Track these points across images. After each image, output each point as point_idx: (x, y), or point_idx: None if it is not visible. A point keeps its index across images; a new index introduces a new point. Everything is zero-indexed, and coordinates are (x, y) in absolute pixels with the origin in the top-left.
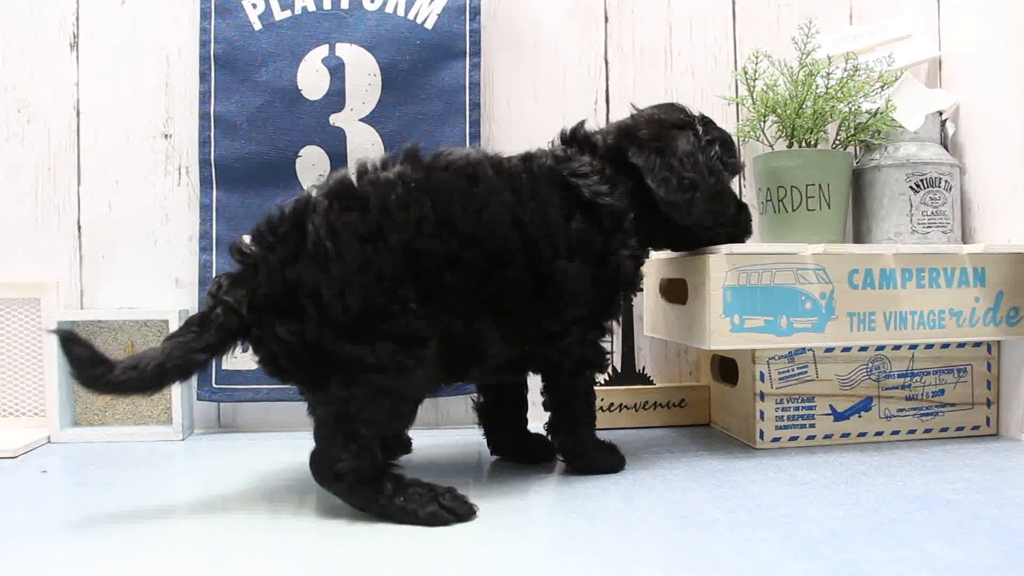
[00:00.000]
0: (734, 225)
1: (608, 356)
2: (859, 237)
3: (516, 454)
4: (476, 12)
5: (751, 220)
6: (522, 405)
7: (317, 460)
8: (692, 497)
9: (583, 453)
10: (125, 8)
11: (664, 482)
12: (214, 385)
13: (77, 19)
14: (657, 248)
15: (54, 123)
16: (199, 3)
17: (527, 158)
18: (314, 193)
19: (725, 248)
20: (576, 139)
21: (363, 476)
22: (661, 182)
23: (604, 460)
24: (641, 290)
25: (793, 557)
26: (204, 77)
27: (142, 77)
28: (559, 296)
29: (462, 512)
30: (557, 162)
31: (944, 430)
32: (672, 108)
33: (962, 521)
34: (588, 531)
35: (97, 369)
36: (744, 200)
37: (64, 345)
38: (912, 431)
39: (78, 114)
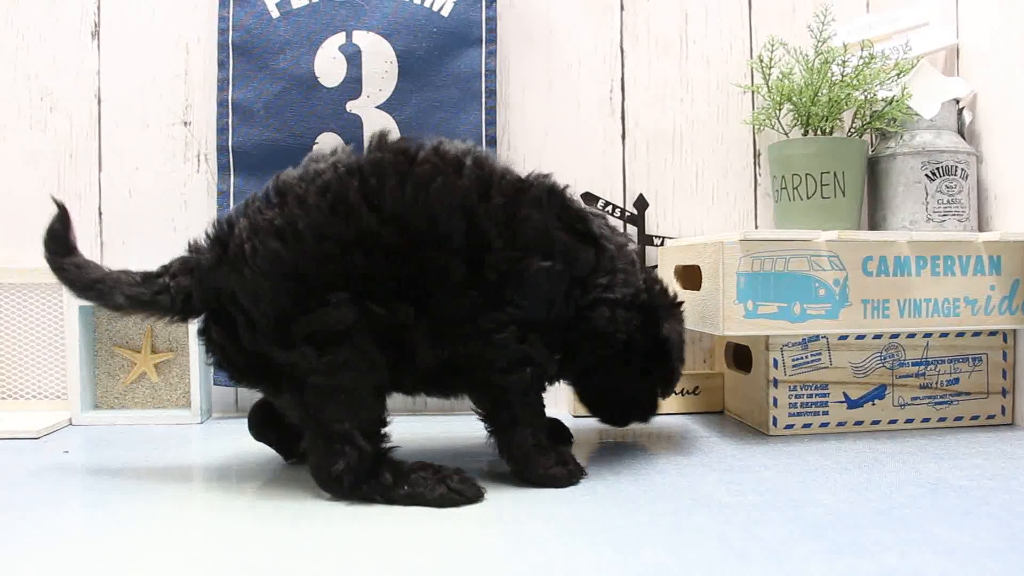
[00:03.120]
0: None
1: (554, 363)
2: (874, 225)
3: None
4: (492, 0)
5: None
6: None
7: (313, 470)
8: (703, 481)
9: (519, 456)
10: None
11: (676, 467)
12: None
13: (98, 8)
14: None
15: (75, 111)
16: None
17: (530, 174)
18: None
19: (739, 234)
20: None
21: (358, 473)
22: (680, 360)
23: (547, 471)
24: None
25: (799, 538)
26: (222, 65)
27: (162, 65)
28: (511, 292)
29: (471, 494)
30: (560, 190)
31: (959, 419)
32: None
33: (970, 507)
34: (597, 512)
35: (57, 246)
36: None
37: (58, 215)
38: (926, 420)
39: (99, 102)
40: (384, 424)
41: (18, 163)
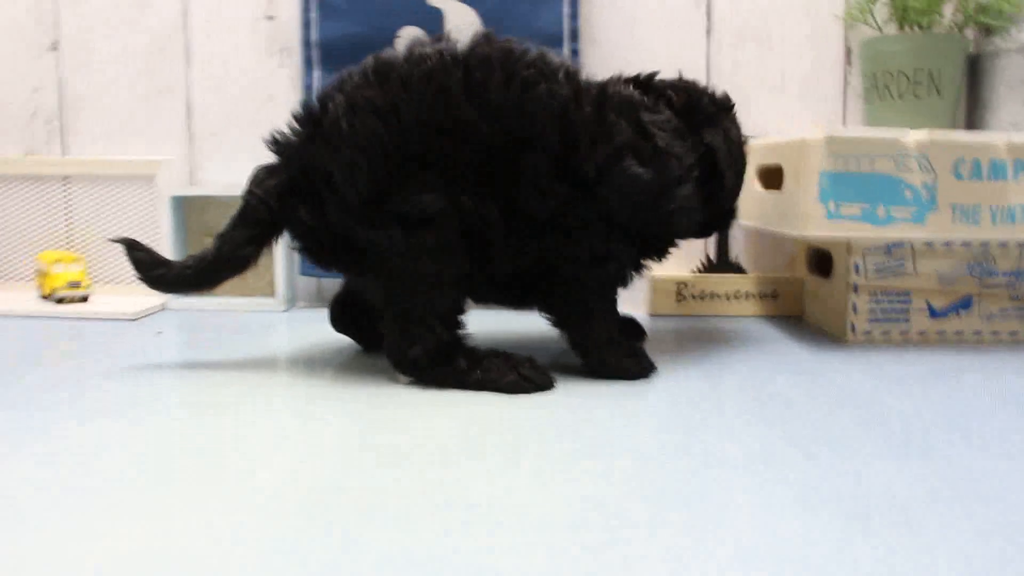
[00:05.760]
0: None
1: (634, 262)
2: (971, 127)
3: None
4: None
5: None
6: None
7: (389, 352)
8: (773, 381)
9: (591, 350)
10: None
11: (747, 367)
12: None
13: None
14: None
15: (164, 7)
16: None
17: (606, 82)
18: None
19: (824, 131)
20: (651, 88)
21: (434, 357)
22: (728, 166)
23: (619, 362)
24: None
25: (867, 437)
26: None
27: None
28: (604, 189)
29: (541, 381)
30: (638, 101)
31: None
32: (704, 88)
33: None
34: (664, 403)
35: (158, 270)
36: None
37: (128, 252)
38: (1014, 332)
39: None
40: (461, 312)
41: (112, 59)
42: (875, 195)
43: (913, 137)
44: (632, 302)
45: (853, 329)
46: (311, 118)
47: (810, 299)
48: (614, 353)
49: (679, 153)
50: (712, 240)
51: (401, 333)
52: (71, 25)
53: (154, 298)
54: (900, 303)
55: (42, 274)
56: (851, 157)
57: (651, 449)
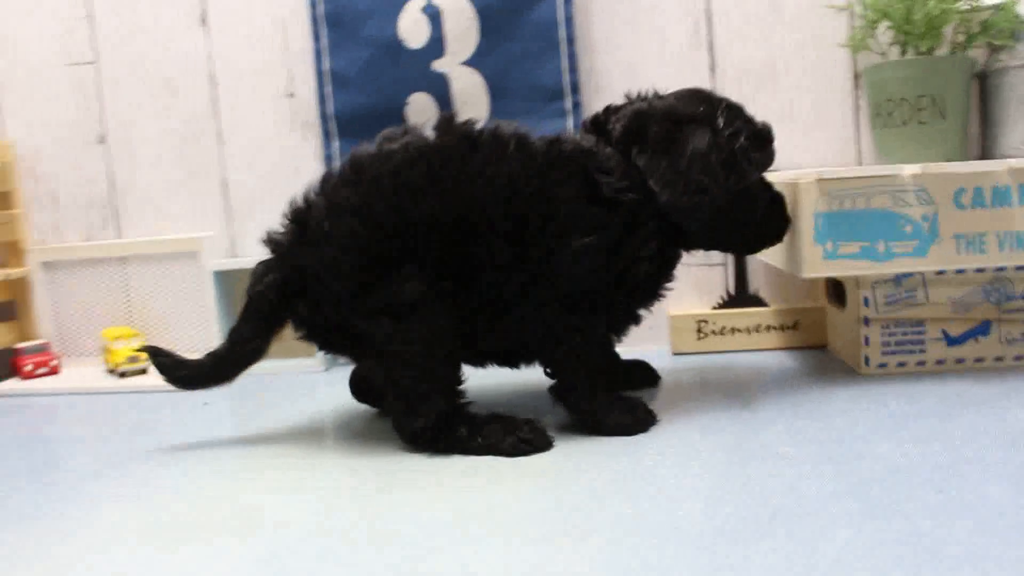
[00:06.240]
0: (761, 227)
1: (603, 323)
2: (986, 146)
3: (612, 382)
4: None
5: (785, 220)
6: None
7: (396, 427)
8: (768, 429)
9: (585, 416)
10: None
11: (750, 412)
12: None
13: None
14: (690, 248)
15: (195, 94)
16: None
17: (554, 141)
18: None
19: (815, 172)
20: (597, 127)
21: (436, 428)
22: (665, 185)
23: (615, 420)
24: (662, 296)
25: (840, 496)
26: (316, 37)
27: (263, 43)
28: (553, 269)
29: (540, 443)
30: (582, 152)
31: None
32: (693, 97)
33: None
34: (652, 463)
35: (180, 371)
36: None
37: (152, 359)
38: None
39: (213, 83)
40: (459, 382)
41: (152, 145)
42: (874, 232)
43: (908, 171)
44: (654, 339)
45: (867, 362)
46: (298, 218)
47: (831, 330)
48: (608, 411)
49: (627, 200)
50: (731, 274)
51: (404, 409)
52: (114, 117)
53: None
54: (914, 333)
55: (106, 350)
56: (845, 196)
57: (627, 525)
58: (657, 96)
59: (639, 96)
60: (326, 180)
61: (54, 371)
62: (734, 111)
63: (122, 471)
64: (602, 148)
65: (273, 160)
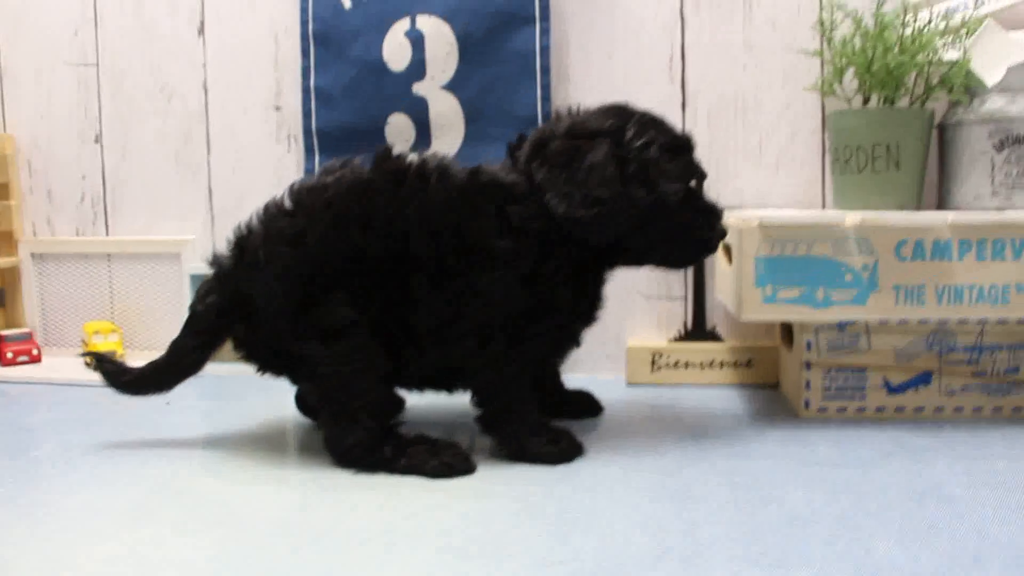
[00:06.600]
0: (684, 239)
1: (519, 354)
2: (941, 200)
3: (554, 411)
4: None
5: (713, 232)
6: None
7: (327, 444)
8: (691, 468)
9: (510, 443)
10: None
11: (679, 448)
12: None
13: (203, 5)
14: (614, 265)
15: (189, 99)
16: None
17: (474, 172)
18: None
19: (758, 218)
20: (511, 154)
21: (366, 448)
22: (562, 198)
23: (538, 448)
24: (595, 320)
25: (732, 540)
26: (305, 53)
27: (256, 55)
28: (467, 303)
29: (462, 467)
30: (495, 182)
31: (1017, 409)
32: (605, 112)
33: (940, 520)
34: (562, 492)
35: (122, 377)
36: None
37: (97, 365)
38: (978, 408)
39: (206, 91)
40: (389, 404)
41: (147, 145)
42: (813, 278)
43: (850, 220)
44: (612, 368)
45: (807, 405)
46: (239, 244)
47: (782, 370)
48: (534, 440)
49: (536, 228)
50: (689, 309)
51: (335, 428)
52: (111, 116)
53: None
54: (855, 379)
55: (85, 343)
56: (787, 242)
57: (512, 550)
58: (571, 113)
59: (557, 115)
60: (267, 208)
61: (35, 359)
62: (647, 123)
63: (82, 460)
64: (513, 176)
65: (257, 169)
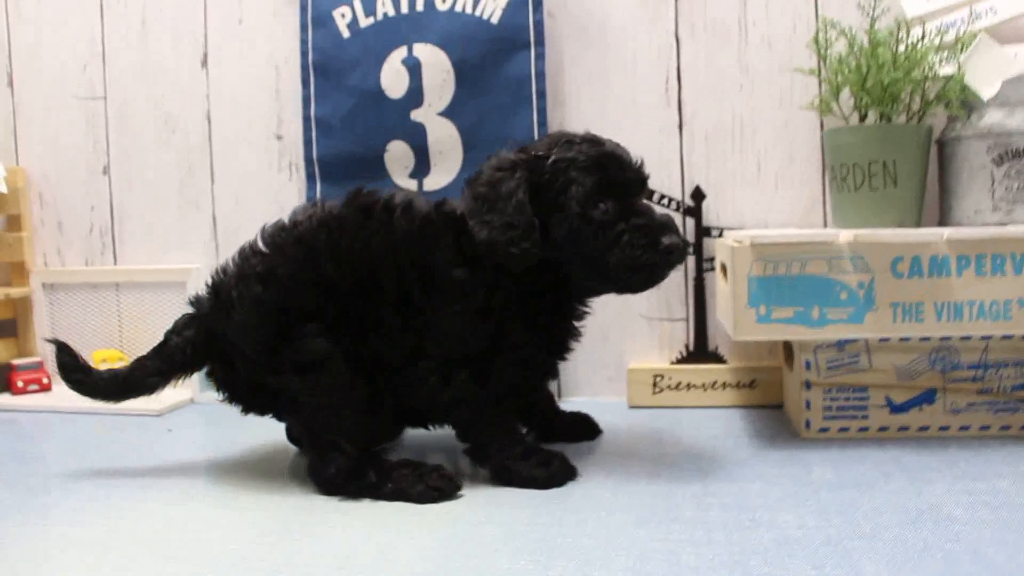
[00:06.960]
0: (620, 260)
1: (487, 389)
2: (942, 216)
3: (549, 434)
4: (539, 3)
5: (655, 249)
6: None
7: (310, 473)
8: (683, 491)
9: (498, 470)
10: (243, 26)
11: (674, 470)
12: None
13: (205, 39)
14: (573, 297)
15: (192, 130)
16: (299, 17)
17: (438, 204)
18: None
19: (751, 237)
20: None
21: (348, 475)
22: (482, 225)
23: (528, 472)
24: (567, 351)
25: (716, 566)
26: (305, 83)
27: (257, 85)
28: (429, 339)
29: (448, 491)
30: (455, 215)
31: None
32: (540, 142)
33: (935, 542)
34: (549, 518)
35: (76, 375)
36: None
37: (56, 354)
38: (985, 427)
39: (209, 121)
40: (369, 431)
41: (153, 176)
42: (808, 297)
43: (844, 238)
44: (614, 391)
45: (808, 425)
46: (215, 285)
47: (785, 390)
48: (522, 464)
49: (487, 258)
50: (691, 330)
51: (317, 457)
52: (118, 148)
53: (184, 393)
54: (857, 399)
55: None
56: (780, 261)
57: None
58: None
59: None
60: (242, 251)
61: (46, 388)
62: (573, 145)
63: (77, 487)
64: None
65: (259, 198)
